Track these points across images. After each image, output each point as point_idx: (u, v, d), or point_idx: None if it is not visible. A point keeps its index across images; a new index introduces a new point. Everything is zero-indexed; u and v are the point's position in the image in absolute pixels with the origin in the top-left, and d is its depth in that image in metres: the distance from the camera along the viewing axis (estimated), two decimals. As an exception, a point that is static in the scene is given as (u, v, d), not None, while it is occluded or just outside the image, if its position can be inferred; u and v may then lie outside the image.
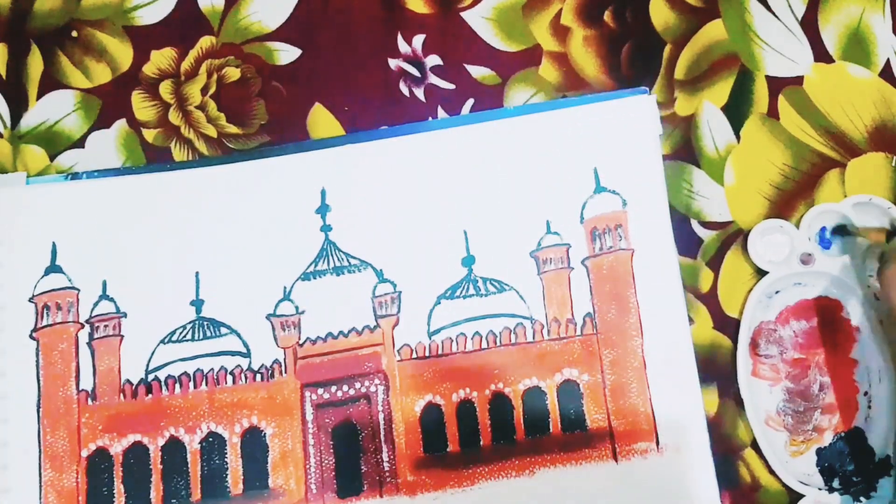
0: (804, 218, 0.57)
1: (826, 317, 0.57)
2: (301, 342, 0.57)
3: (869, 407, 0.56)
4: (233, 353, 0.57)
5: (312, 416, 0.56)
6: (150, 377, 0.57)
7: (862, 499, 0.55)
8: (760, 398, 0.56)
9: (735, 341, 0.57)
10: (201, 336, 0.57)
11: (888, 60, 0.60)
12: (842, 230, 0.57)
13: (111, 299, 0.57)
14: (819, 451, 0.56)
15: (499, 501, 0.55)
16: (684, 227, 0.59)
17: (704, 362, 0.57)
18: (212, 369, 0.57)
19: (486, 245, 0.58)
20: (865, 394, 0.56)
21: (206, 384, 0.57)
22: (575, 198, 0.58)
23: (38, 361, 0.57)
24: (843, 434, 0.56)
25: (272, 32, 0.62)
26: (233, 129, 0.61)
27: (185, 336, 0.57)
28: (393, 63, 0.61)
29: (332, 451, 0.56)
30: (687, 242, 0.58)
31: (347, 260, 0.58)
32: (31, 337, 0.57)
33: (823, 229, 0.57)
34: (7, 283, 0.58)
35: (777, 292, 0.57)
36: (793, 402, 0.56)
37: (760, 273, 0.58)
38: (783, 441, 0.56)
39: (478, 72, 0.61)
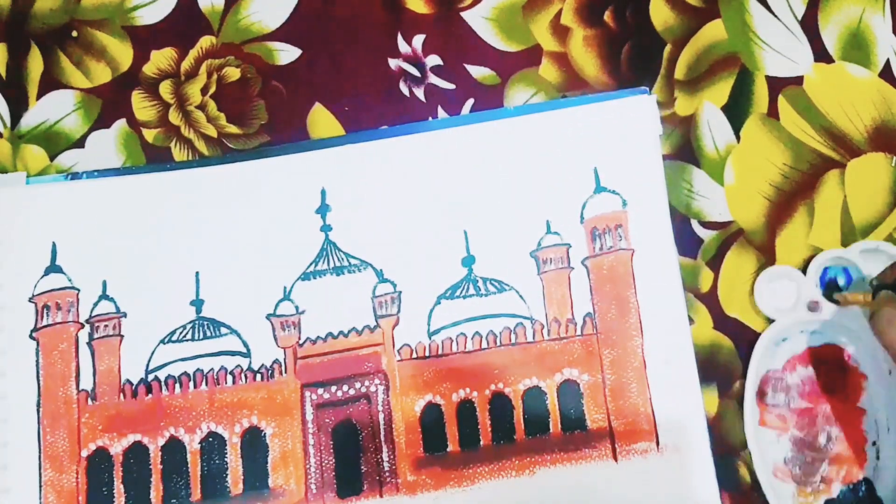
0: (811, 264, 0.57)
1: (833, 365, 0.56)
2: (301, 342, 0.57)
3: (877, 458, 0.55)
4: (233, 353, 0.57)
5: (312, 416, 0.56)
6: (150, 377, 0.57)
7: None
8: (768, 448, 0.55)
9: (742, 391, 0.56)
10: (201, 336, 0.57)
11: (888, 60, 0.60)
12: (833, 291, 0.57)
13: (111, 299, 0.57)
14: (828, 503, 0.55)
15: (499, 501, 0.55)
16: (684, 227, 0.59)
17: (704, 362, 0.57)
18: (212, 369, 0.57)
19: (486, 245, 0.58)
20: (874, 444, 0.55)
21: (206, 384, 0.57)
22: (575, 198, 0.58)
23: (38, 361, 0.57)
24: (851, 485, 0.55)
25: (272, 32, 0.62)
26: (233, 129, 0.61)
27: (185, 336, 0.57)
28: (393, 63, 0.61)
29: (332, 451, 0.56)
30: (687, 242, 0.58)
31: (347, 260, 0.58)
32: (31, 337, 0.57)
33: (826, 271, 0.57)
34: (7, 283, 0.58)
35: (784, 340, 0.57)
36: (801, 453, 0.55)
37: (760, 274, 0.58)
38: (791, 492, 0.55)
39: (478, 72, 0.61)
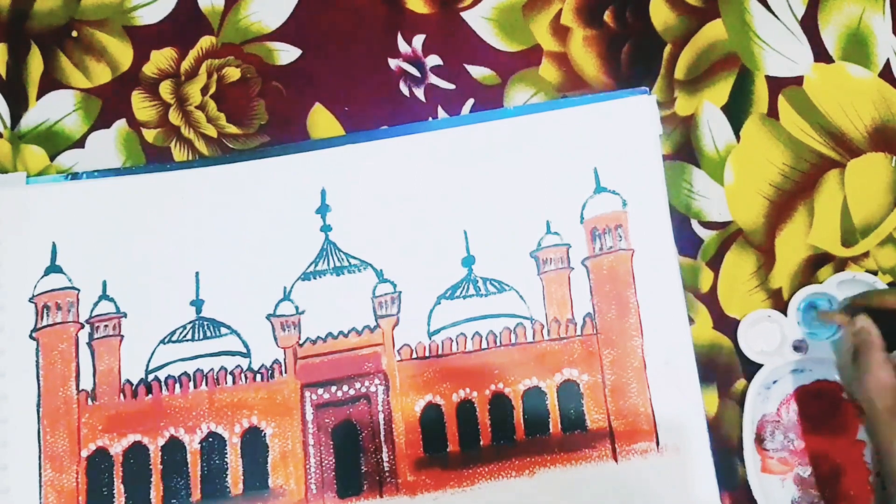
0: (791, 303, 0.57)
1: (827, 401, 0.56)
2: (301, 342, 0.57)
3: (883, 487, 0.54)
4: (233, 353, 0.57)
5: (312, 416, 0.56)
6: (150, 377, 0.57)
7: None
8: (774, 494, 0.55)
9: (740, 441, 0.55)
10: (201, 336, 0.57)
11: (888, 60, 0.60)
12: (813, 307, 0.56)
13: (111, 299, 0.57)
14: None
15: (499, 501, 0.55)
16: (684, 227, 0.59)
17: (704, 362, 0.57)
18: (212, 369, 0.57)
19: (486, 245, 0.58)
20: (878, 474, 0.55)
21: (206, 384, 0.57)
22: (575, 198, 0.58)
23: (38, 361, 0.57)
24: None
25: (272, 32, 0.62)
26: (233, 129, 0.61)
27: (185, 336, 0.57)
28: (393, 63, 0.61)
29: (332, 451, 0.56)
30: (687, 242, 0.58)
31: (347, 260, 0.58)
32: (31, 337, 0.57)
33: (809, 305, 0.57)
34: (7, 283, 0.58)
35: (775, 382, 0.56)
36: (807, 494, 0.55)
37: (759, 277, 0.58)
38: None
39: (478, 72, 0.61)
